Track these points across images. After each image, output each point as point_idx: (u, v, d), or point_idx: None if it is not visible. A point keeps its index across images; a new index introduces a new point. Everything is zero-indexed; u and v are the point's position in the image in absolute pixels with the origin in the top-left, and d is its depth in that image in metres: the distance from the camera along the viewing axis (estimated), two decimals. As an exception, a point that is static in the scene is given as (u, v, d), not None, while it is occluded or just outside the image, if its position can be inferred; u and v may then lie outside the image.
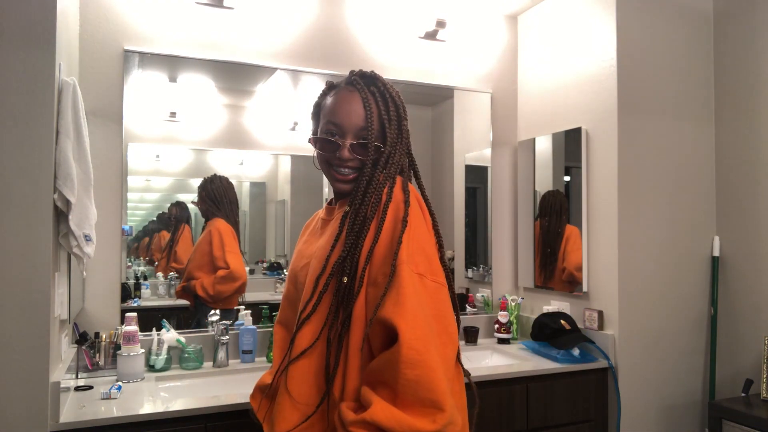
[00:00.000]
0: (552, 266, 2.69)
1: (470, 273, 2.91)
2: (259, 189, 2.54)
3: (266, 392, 1.29)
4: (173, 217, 2.39)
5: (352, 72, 1.25)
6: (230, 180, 2.43)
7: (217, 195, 2.40)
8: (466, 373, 1.14)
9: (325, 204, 1.37)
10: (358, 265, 1.08)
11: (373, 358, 1.04)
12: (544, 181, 2.78)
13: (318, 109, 1.29)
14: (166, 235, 2.39)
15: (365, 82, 1.21)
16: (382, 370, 0.97)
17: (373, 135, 1.17)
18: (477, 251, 2.94)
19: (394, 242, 1.05)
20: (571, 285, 2.56)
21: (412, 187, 1.18)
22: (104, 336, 2.09)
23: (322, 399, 1.08)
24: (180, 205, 2.41)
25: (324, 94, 1.28)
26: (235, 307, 2.39)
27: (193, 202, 2.40)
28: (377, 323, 1.00)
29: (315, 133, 1.28)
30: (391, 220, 1.09)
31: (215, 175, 2.41)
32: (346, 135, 1.18)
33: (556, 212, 2.70)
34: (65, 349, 1.88)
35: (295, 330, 1.15)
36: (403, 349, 0.93)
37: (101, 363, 2.05)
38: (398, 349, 0.94)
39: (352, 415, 0.96)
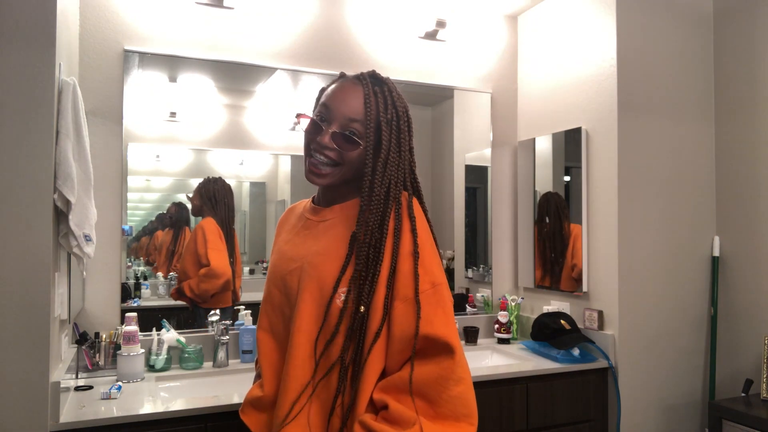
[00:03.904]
0: (559, 266, 2.67)
1: (470, 273, 2.91)
2: (259, 189, 2.54)
3: (260, 405, 1.22)
4: (170, 216, 2.38)
5: (363, 72, 1.21)
6: (230, 182, 2.43)
7: (216, 195, 2.40)
8: None
9: (308, 201, 1.29)
10: (374, 294, 1.05)
11: (383, 372, 1.06)
12: (544, 181, 2.78)
13: (320, 94, 1.23)
14: (160, 235, 2.38)
15: (372, 81, 1.17)
16: (427, 383, 0.99)
17: (365, 133, 1.12)
18: (477, 251, 2.94)
19: (414, 258, 1.06)
20: (579, 283, 2.54)
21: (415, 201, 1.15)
22: (104, 336, 2.09)
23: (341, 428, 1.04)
24: (179, 206, 2.40)
25: (332, 82, 1.22)
26: (234, 307, 2.39)
27: (187, 196, 2.38)
28: (425, 340, 1.01)
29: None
30: (408, 236, 1.08)
31: (219, 177, 2.41)
32: (332, 121, 1.12)
33: (555, 213, 2.70)
34: (65, 349, 1.88)
35: (317, 357, 1.09)
36: (457, 367, 0.99)
37: (101, 363, 2.05)
38: (453, 367, 0.99)
39: (390, 430, 0.96)
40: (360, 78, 1.18)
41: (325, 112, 1.14)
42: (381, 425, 0.98)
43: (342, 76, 1.22)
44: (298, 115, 1.20)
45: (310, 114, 1.21)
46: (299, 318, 1.11)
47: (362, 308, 1.05)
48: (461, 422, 0.97)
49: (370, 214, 1.09)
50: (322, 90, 1.23)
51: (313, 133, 1.14)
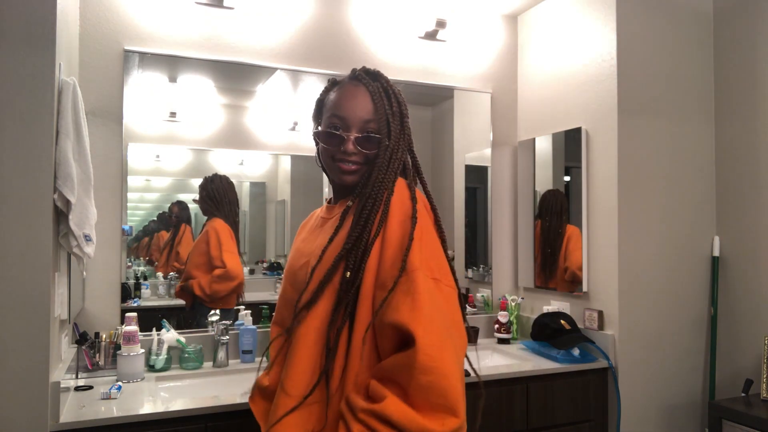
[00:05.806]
0: (553, 266, 2.70)
1: (470, 273, 2.91)
2: (259, 189, 2.54)
3: (265, 394, 1.28)
4: (174, 216, 2.39)
5: (354, 69, 1.26)
6: (230, 180, 2.43)
7: (217, 194, 2.40)
8: (469, 373, 1.14)
9: (324, 203, 1.36)
10: (362, 259, 1.08)
11: (378, 357, 1.06)
12: (544, 181, 2.78)
13: (321, 105, 1.28)
14: (165, 235, 2.39)
15: (370, 78, 1.22)
16: (395, 371, 0.98)
17: (379, 128, 1.17)
18: (477, 251, 2.94)
19: (404, 242, 1.05)
20: (573, 285, 2.56)
21: (418, 190, 1.18)
22: (104, 336, 2.09)
23: (311, 389, 1.07)
24: (180, 205, 2.41)
25: (327, 90, 1.28)
26: (235, 307, 2.39)
27: (194, 201, 2.40)
28: (390, 327, 1.01)
29: (317, 129, 1.27)
30: (398, 218, 1.09)
31: (216, 174, 2.41)
32: (350, 128, 1.17)
33: (557, 212, 2.70)
34: (65, 349, 1.88)
35: (292, 324, 1.14)
36: (418, 355, 0.94)
37: (101, 363, 2.05)
38: (414, 355, 0.94)
39: (363, 403, 0.97)
40: (358, 78, 1.22)
41: (339, 122, 1.19)
42: (356, 398, 1.00)
43: (334, 82, 1.27)
44: (314, 135, 1.26)
45: (313, 128, 1.29)
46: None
47: (348, 273, 1.08)
48: (438, 412, 0.94)
49: (369, 191, 1.13)
50: (320, 101, 1.28)
51: (335, 144, 1.19)
